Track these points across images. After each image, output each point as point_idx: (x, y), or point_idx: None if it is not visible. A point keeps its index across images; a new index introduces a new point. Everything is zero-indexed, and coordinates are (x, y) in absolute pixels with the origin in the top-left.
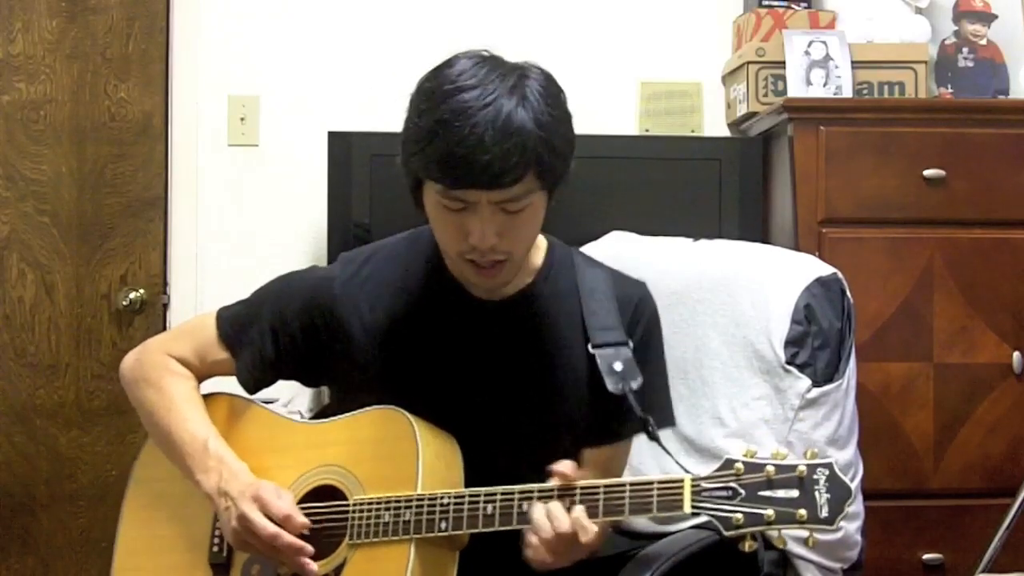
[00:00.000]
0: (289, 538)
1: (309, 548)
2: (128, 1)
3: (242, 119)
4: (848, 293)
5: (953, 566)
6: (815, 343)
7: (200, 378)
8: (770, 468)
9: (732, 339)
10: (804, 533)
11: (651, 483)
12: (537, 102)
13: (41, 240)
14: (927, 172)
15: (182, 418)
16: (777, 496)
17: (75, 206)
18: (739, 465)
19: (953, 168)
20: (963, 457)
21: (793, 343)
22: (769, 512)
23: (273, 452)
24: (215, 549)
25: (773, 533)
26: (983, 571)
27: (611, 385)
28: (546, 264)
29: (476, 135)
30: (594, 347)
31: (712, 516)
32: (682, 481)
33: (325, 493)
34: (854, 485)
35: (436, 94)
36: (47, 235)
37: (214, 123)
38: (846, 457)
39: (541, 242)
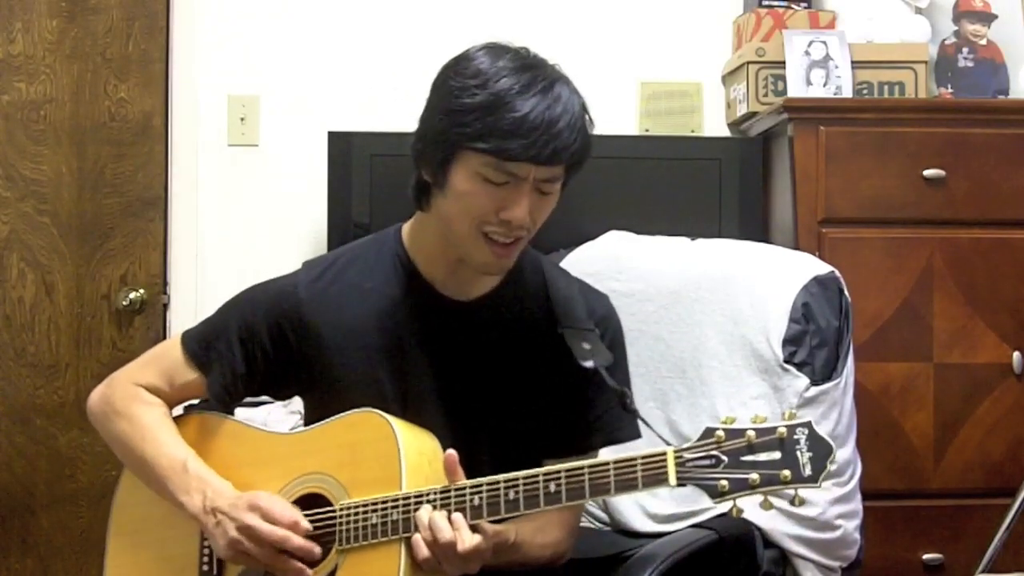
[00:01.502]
0: (299, 540)
1: (318, 549)
2: (128, 1)
3: (242, 119)
4: (846, 292)
5: (953, 566)
6: (813, 342)
7: (171, 404)
8: (751, 433)
9: (730, 338)
10: (790, 493)
11: (634, 459)
12: (578, 95)
13: (41, 240)
14: (927, 172)
15: (157, 444)
16: (760, 460)
17: (75, 206)
18: (720, 433)
19: (953, 168)
20: (963, 457)
21: (791, 342)
22: (753, 476)
23: (253, 466)
24: (205, 568)
25: (759, 497)
26: (983, 571)
27: (581, 359)
28: (516, 266)
29: (544, 106)
30: (563, 328)
31: (698, 485)
32: (665, 454)
33: (311, 501)
34: (853, 483)
35: (492, 71)
36: (47, 235)
37: (214, 123)
38: (844, 455)
39: None
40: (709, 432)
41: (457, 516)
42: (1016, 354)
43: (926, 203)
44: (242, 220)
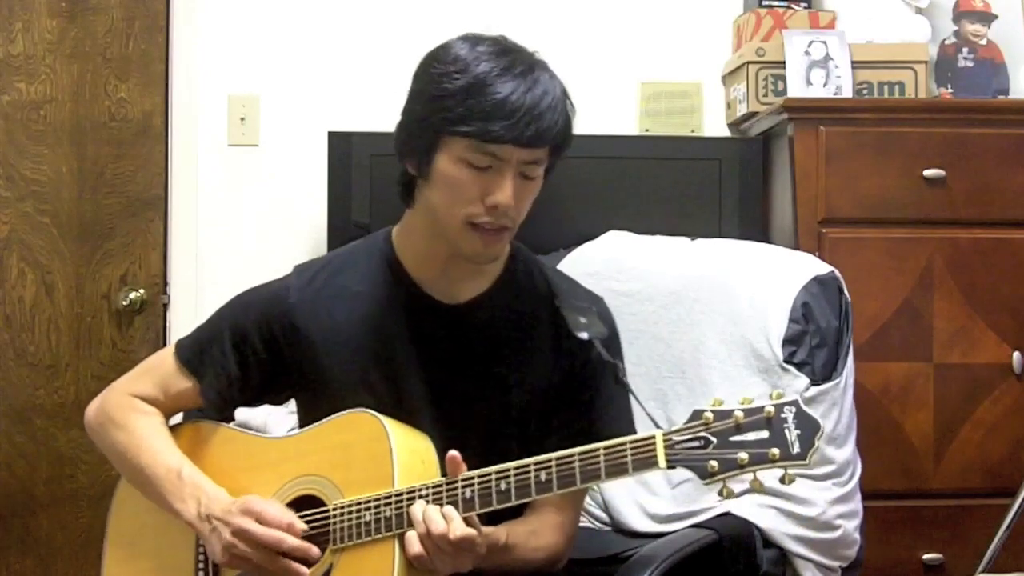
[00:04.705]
0: (294, 541)
1: (316, 550)
2: (128, 1)
3: (242, 119)
4: (846, 292)
5: (953, 566)
6: (813, 342)
7: (167, 413)
8: (738, 413)
9: (730, 338)
10: (779, 472)
11: (623, 444)
12: (558, 80)
13: (41, 240)
14: (927, 172)
15: (153, 452)
16: (748, 439)
17: (75, 206)
18: (708, 415)
19: (953, 168)
20: (963, 457)
21: (791, 342)
22: (742, 455)
23: (248, 471)
24: (200, 574)
25: (749, 475)
26: (983, 571)
27: (576, 330)
28: (507, 270)
29: (525, 88)
30: (560, 302)
31: (688, 467)
32: (653, 437)
33: (305, 503)
34: (853, 483)
35: (472, 57)
36: (47, 235)
37: (214, 123)
38: (844, 455)
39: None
40: (697, 414)
41: (449, 509)
42: (1016, 354)
43: (926, 203)
44: (242, 220)
